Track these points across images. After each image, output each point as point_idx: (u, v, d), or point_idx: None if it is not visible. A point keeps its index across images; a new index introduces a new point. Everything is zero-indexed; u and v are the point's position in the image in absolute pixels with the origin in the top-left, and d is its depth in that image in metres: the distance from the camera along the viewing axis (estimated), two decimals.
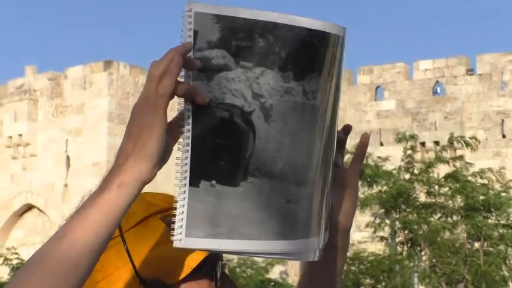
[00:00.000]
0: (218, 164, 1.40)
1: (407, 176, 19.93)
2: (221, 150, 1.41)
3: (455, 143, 21.02)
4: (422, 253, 19.97)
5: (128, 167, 1.36)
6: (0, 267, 29.34)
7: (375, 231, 20.09)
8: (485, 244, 19.68)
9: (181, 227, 1.38)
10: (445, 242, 19.56)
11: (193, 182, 1.38)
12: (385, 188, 19.76)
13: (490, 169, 20.09)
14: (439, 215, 20.06)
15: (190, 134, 1.40)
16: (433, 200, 19.92)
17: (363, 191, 20.19)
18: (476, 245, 19.80)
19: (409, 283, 21.17)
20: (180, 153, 1.41)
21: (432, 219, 19.62)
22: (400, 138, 20.09)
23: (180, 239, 1.38)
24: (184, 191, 1.38)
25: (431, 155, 20.78)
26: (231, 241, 1.40)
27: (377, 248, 22.37)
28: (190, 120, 1.40)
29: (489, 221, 19.43)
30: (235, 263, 31.18)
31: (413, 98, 37.77)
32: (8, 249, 29.83)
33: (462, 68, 37.28)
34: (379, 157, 20.34)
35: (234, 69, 1.40)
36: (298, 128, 1.45)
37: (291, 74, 1.43)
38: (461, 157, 20.61)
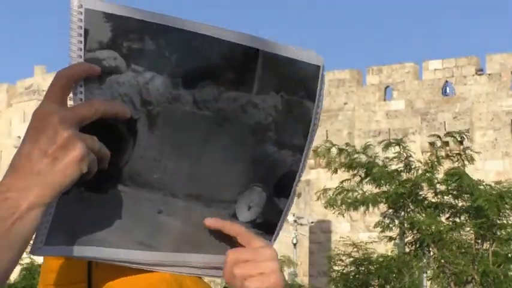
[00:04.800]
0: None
1: (411, 176, 19.91)
2: None
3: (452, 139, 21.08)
4: (431, 253, 19.95)
5: (39, 191, 1.23)
6: None
7: (383, 231, 20.09)
8: (493, 244, 19.66)
9: (43, 234, 1.31)
10: (454, 242, 19.55)
11: None
12: (393, 186, 19.74)
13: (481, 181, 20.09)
14: (447, 215, 20.04)
15: None
16: (441, 200, 19.90)
17: (370, 191, 20.20)
18: (485, 245, 19.78)
19: (418, 283, 21.15)
20: None
21: (439, 218, 19.61)
22: (387, 145, 20.08)
23: (39, 247, 1.32)
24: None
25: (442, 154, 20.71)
26: (85, 247, 1.35)
27: (386, 248, 22.36)
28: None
29: (497, 221, 19.41)
30: None
31: (422, 98, 37.73)
32: None
33: (471, 68, 37.22)
34: (386, 157, 20.32)
35: (124, 72, 1.32)
36: (185, 138, 1.38)
37: (180, 80, 1.36)
38: (465, 150, 20.56)
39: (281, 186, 1.49)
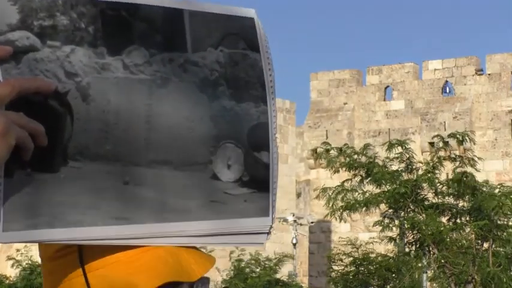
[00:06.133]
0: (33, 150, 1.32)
1: (412, 177, 19.88)
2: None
3: (453, 139, 21.11)
4: (431, 253, 19.93)
5: None
6: (11, 268, 29.43)
7: (382, 230, 20.06)
8: (493, 245, 19.65)
9: None
10: (454, 243, 19.53)
11: (7, 171, 1.29)
12: (394, 186, 19.72)
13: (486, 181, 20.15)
14: (447, 216, 20.02)
15: None
16: (441, 201, 19.88)
17: (371, 192, 20.17)
18: (485, 245, 19.77)
19: (418, 283, 21.14)
20: None
21: (439, 218, 19.59)
22: (390, 146, 20.04)
23: None
24: (0, 183, 1.29)
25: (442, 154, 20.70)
26: (54, 230, 1.32)
27: (386, 248, 22.33)
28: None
29: (498, 221, 19.39)
30: (244, 263, 31.14)
31: (422, 98, 37.72)
32: (17, 250, 29.91)
33: (471, 68, 37.21)
34: (387, 157, 20.30)
35: (41, 49, 1.34)
36: (126, 105, 1.39)
37: (103, 49, 1.38)
38: (467, 153, 20.55)
39: (255, 140, 1.49)
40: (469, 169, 19.75)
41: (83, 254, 1.44)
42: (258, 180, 1.49)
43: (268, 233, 1.50)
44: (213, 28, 1.47)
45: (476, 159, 20.09)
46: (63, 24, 1.36)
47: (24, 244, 1.35)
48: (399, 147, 19.93)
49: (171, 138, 1.42)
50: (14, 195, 1.30)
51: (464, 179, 19.26)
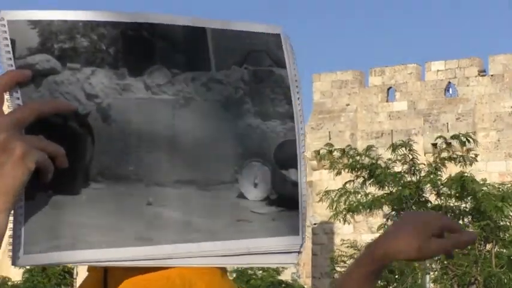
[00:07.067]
0: (53, 172, 1.32)
1: (413, 179, 19.87)
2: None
3: (456, 140, 21.11)
4: None
5: None
6: (13, 269, 29.43)
7: None
8: (496, 246, 19.64)
9: (19, 244, 1.29)
10: None
11: (29, 194, 1.29)
12: (397, 188, 19.72)
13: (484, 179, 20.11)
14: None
15: None
16: (444, 203, 19.88)
17: (373, 194, 20.16)
18: (488, 246, 19.76)
19: (421, 285, 21.13)
20: None
21: None
22: (394, 148, 20.03)
23: (18, 257, 1.30)
24: (21, 206, 1.28)
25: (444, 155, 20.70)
26: (75, 252, 1.32)
27: None
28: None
29: (501, 223, 19.38)
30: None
31: (425, 99, 37.69)
32: None
33: (474, 69, 37.18)
34: (389, 159, 20.29)
35: (61, 72, 1.35)
36: (149, 126, 1.38)
37: (125, 70, 1.39)
38: (468, 151, 20.55)
39: (283, 158, 1.48)
40: (468, 169, 19.73)
41: (108, 276, 1.44)
42: (287, 198, 1.48)
43: (299, 252, 1.49)
44: (236, 46, 1.47)
45: (474, 157, 20.07)
46: (83, 46, 1.36)
47: None
48: (403, 149, 19.92)
49: (195, 157, 1.42)
50: (35, 217, 1.30)
51: (465, 180, 19.24)
